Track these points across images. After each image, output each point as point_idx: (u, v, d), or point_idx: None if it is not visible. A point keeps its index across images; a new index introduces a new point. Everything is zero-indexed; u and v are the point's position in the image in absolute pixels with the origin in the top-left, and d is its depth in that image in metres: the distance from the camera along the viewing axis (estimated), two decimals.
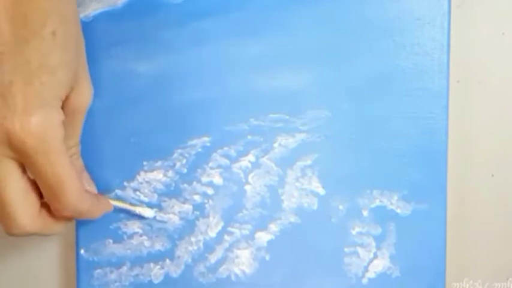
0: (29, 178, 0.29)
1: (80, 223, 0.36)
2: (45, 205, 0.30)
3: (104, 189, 0.36)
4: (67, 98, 0.29)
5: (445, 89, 0.34)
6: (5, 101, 0.26)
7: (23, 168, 0.28)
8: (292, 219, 0.36)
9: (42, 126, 0.26)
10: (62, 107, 0.29)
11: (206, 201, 0.36)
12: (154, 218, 0.36)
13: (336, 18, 0.35)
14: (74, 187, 0.29)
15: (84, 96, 0.31)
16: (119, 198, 0.36)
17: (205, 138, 0.36)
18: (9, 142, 0.26)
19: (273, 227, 0.36)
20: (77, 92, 0.30)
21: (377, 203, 0.35)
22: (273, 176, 0.36)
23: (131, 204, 0.36)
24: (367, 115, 0.35)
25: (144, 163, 0.36)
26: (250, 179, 0.36)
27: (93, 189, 0.34)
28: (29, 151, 0.27)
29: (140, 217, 0.35)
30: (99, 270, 0.36)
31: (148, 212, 0.36)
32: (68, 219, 0.32)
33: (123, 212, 0.35)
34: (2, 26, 0.26)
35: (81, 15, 0.35)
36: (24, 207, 0.28)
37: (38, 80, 0.26)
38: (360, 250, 0.35)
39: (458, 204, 0.38)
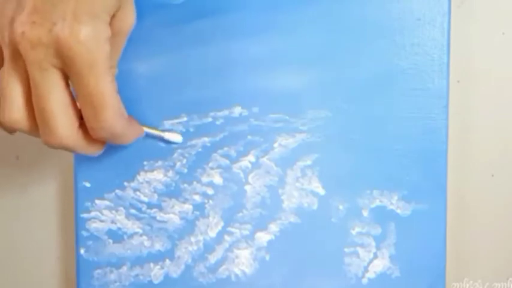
0: (71, 93, 0.29)
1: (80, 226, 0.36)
2: (82, 126, 0.30)
3: (104, 190, 0.36)
4: (114, 16, 0.29)
5: (445, 89, 0.34)
6: (56, 8, 0.26)
7: (67, 82, 0.28)
8: (292, 219, 0.36)
9: (90, 36, 0.27)
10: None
11: (206, 201, 0.36)
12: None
13: (336, 18, 0.35)
14: (114, 105, 0.29)
15: (129, 18, 0.30)
16: (119, 197, 0.36)
17: (205, 138, 0.36)
18: (57, 49, 0.27)
19: (273, 227, 0.36)
20: (123, 12, 0.29)
21: (377, 203, 0.35)
22: (273, 176, 0.36)
23: (159, 129, 0.35)
24: (367, 115, 0.35)
25: (144, 163, 0.36)
26: (250, 179, 0.36)
27: (124, 112, 0.34)
28: (76, 59, 0.27)
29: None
30: (99, 270, 0.36)
31: (176, 137, 0.35)
32: (102, 142, 0.32)
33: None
34: None
35: None
36: (64, 118, 0.28)
37: None
38: (360, 250, 0.35)
39: (458, 204, 0.39)
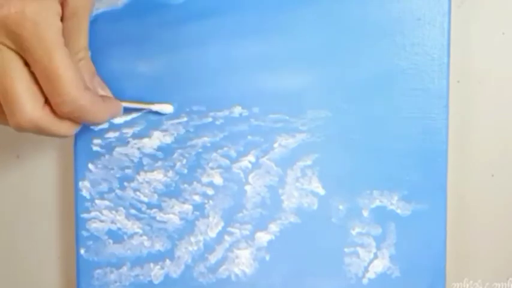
0: (31, 72, 0.29)
1: (80, 227, 0.36)
2: (49, 105, 0.30)
3: (104, 190, 0.36)
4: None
5: (445, 89, 0.34)
6: None
7: (25, 62, 0.29)
8: (292, 219, 0.36)
9: (36, 12, 0.27)
10: (62, 8, 0.29)
11: (206, 201, 0.36)
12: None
13: (336, 19, 0.35)
14: (72, 77, 0.29)
15: None
16: (119, 197, 0.36)
17: (205, 138, 0.36)
18: (6, 29, 0.27)
19: (273, 227, 0.36)
20: None
21: (377, 203, 0.35)
22: (273, 176, 0.36)
23: (147, 102, 0.35)
24: (367, 115, 0.35)
25: (144, 163, 0.36)
26: (250, 179, 0.36)
27: (108, 93, 0.34)
28: (24, 35, 0.27)
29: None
30: (99, 271, 0.36)
31: (166, 108, 0.35)
32: (73, 120, 0.31)
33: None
34: None
35: None
36: (28, 96, 0.29)
37: None
38: (360, 250, 0.35)
39: (458, 204, 0.39)
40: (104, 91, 0.34)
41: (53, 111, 0.30)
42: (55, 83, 0.28)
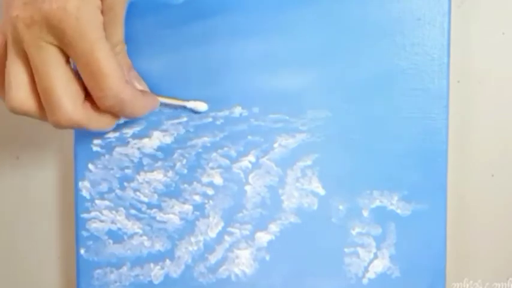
0: (71, 69, 0.29)
1: (80, 227, 0.36)
2: (90, 100, 0.30)
3: (104, 190, 0.36)
4: None
5: (445, 89, 0.34)
6: None
7: (66, 58, 0.29)
8: (292, 219, 0.36)
9: (77, 6, 0.27)
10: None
11: (206, 201, 0.36)
12: (153, 218, 0.36)
13: (336, 19, 0.35)
14: (115, 72, 0.29)
15: None
16: (119, 198, 0.36)
17: (205, 138, 0.36)
18: (49, 25, 0.27)
19: (273, 227, 0.36)
20: None
21: (377, 203, 0.35)
22: (273, 176, 0.36)
23: (182, 99, 0.35)
24: (367, 115, 0.35)
25: (144, 163, 0.36)
26: (250, 179, 0.36)
27: (145, 87, 0.34)
28: (67, 30, 0.27)
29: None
30: (99, 271, 0.36)
31: (201, 106, 0.35)
32: (113, 114, 0.31)
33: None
34: None
35: None
36: (68, 94, 0.29)
37: None
38: (360, 250, 0.35)
39: (458, 204, 0.39)
40: (141, 85, 0.34)
41: (93, 107, 0.30)
42: (98, 77, 0.28)
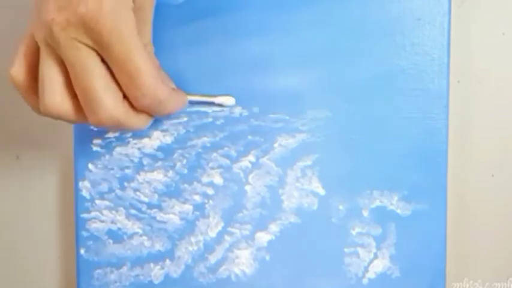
0: (109, 68, 0.29)
1: (80, 227, 0.36)
2: (126, 100, 0.30)
3: (104, 190, 0.36)
4: None
5: (445, 89, 0.34)
6: None
7: (102, 59, 0.29)
8: (292, 219, 0.36)
9: (113, 7, 0.27)
10: None
11: (206, 201, 0.36)
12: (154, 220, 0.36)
13: (336, 19, 0.35)
14: (151, 72, 0.29)
15: None
16: (119, 198, 0.36)
17: (205, 138, 0.36)
18: (85, 26, 0.27)
19: (273, 227, 0.36)
20: None
21: (377, 203, 0.35)
22: (273, 176, 0.36)
23: (210, 95, 0.35)
24: (367, 115, 0.35)
25: (145, 163, 0.36)
26: (250, 179, 0.36)
27: (173, 86, 0.34)
28: (104, 31, 0.27)
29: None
30: (99, 271, 0.36)
31: (229, 100, 0.35)
32: (148, 113, 0.32)
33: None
34: None
35: None
36: (108, 92, 0.29)
37: None
38: (360, 250, 0.35)
39: (458, 204, 0.39)
40: (170, 84, 0.34)
41: (131, 106, 0.30)
42: (135, 77, 0.29)
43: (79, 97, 0.29)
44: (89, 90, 0.29)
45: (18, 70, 0.30)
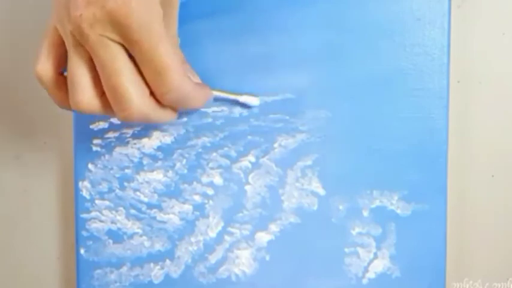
0: (136, 64, 0.29)
1: (80, 224, 0.36)
2: (153, 94, 0.30)
3: (104, 190, 0.36)
4: None
5: (445, 89, 0.34)
6: None
7: (129, 54, 0.29)
8: (293, 219, 0.36)
9: (142, 2, 0.27)
10: None
11: (206, 201, 0.36)
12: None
13: (336, 19, 0.35)
14: (177, 68, 0.29)
15: None
16: (119, 198, 0.36)
17: (205, 138, 0.36)
18: (113, 22, 0.27)
19: (273, 228, 0.36)
20: None
21: (377, 203, 0.35)
22: (273, 176, 0.36)
23: (235, 93, 0.35)
24: (367, 115, 0.35)
25: (144, 163, 0.36)
26: (250, 179, 0.36)
27: (198, 80, 0.34)
28: (133, 26, 0.27)
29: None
30: (99, 271, 0.36)
31: (253, 100, 0.35)
32: (174, 107, 0.32)
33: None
34: None
35: None
36: (136, 88, 0.29)
37: None
38: (360, 250, 0.35)
39: (458, 204, 0.39)
40: (195, 78, 0.34)
41: (157, 101, 0.30)
42: (162, 72, 0.28)
43: (107, 94, 0.29)
44: (118, 87, 0.29)
45: (45, 67, 0.30)
